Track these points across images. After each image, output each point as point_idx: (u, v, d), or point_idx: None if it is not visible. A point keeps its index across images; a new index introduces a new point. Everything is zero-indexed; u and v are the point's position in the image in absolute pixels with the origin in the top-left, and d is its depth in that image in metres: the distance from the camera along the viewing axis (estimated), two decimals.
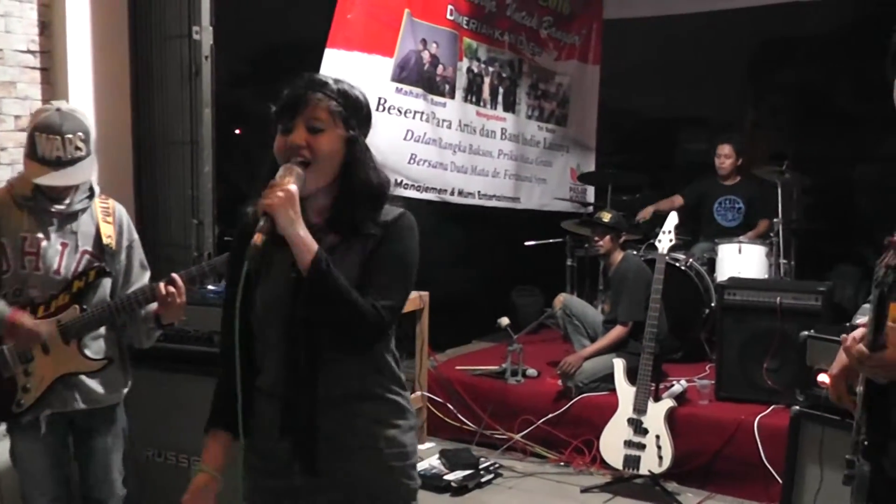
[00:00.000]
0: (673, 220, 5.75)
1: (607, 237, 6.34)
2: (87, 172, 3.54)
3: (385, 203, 2.47)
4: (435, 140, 7.05)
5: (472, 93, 7.51)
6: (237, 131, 8.93)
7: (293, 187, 2.29)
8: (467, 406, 6.51)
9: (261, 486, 2.55)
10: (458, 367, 6.99)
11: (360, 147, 2.43)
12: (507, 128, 7.97)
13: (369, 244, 2.41)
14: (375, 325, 2.35)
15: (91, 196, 3.65)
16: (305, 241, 2.30)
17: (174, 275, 3.50)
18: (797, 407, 4.34)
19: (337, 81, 2.46)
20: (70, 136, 3.44)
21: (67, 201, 3.56)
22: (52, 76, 5.05)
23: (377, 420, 2.46)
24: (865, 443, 2.27)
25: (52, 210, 3.54)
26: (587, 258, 8.24)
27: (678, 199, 8.12)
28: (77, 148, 3.46)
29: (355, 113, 2.44)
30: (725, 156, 7.93)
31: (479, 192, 7.68)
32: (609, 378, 5.86)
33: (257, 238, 2.26)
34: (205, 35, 5.19)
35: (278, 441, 2.44)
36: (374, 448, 2.45)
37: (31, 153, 3.44)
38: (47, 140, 3.41)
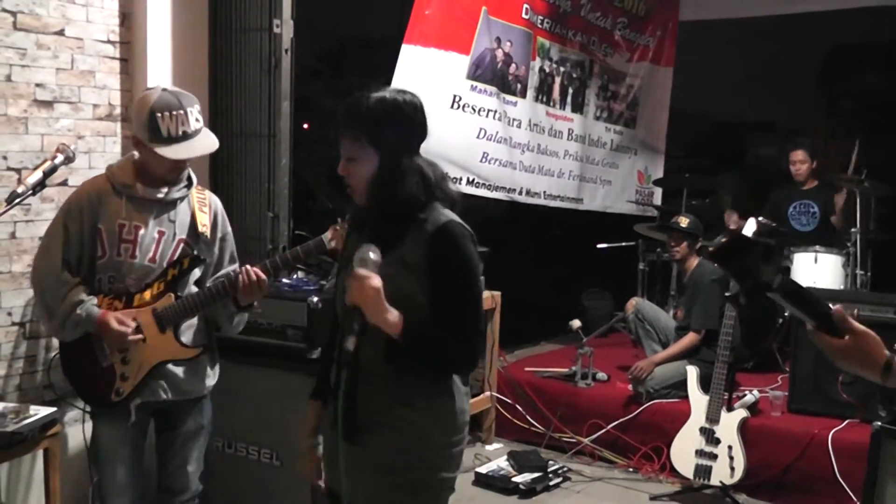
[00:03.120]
0: (751, 226, 5.65)
1: (684, 243, 6.27)
2: (213, 141, 3.56)
3: (421, 211, 2.60)
4: (506, 139, 7.01)
5: (543, 92, 7.47)
6: (305, 126, 8.93)
7: (378, 281, 2.45)
8: (536, 408, 6.47)
9: (326, 441, 2.83)
10: (527, 369, 6.94)
11: (395, 165, 2.58)
12: (573, 128, 7.91)
13: (417, 253, 2.56)
14: (473, 355, 2.63)
15: (189, 185, 3.65)
16: (391, 325, 2.48)
17: (257, 269, 3.50)
18: (878, 423, 4.23)
19: (369, 99, 2.58)
20: (190, 108, 3.46)
21: (165, 190, 3.55)
22: (130, 67, 5.08)
23: (403, 401, 2.61)
24: None
25: (153, 198, 3.54)
26: (659, 262, 8.17)
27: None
28: (197, 119, 3.48)
29: (388, 125, 2.56)
30: (800, 161, 7.80)
31: (544, 192, 7.64)
32: (680, 385, 5.81)
33: (351, 343, 2.47)
34: (285, 28, 5.17)
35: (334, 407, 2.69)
36: (395, 427, 2.61)
37: (156, 137, 3.42)
38: (171, 117, 3.40)
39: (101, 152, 4.92)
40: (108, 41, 4.96)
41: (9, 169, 4.47)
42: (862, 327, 2.05)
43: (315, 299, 4.49)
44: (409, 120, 2.61)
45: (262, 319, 4.54)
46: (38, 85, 4.60)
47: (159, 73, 5.06)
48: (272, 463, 4.62)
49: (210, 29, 5.32)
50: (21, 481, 4.48)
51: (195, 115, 3.47)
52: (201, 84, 5.26)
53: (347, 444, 2.63)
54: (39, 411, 4.00)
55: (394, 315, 2.47)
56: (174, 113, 3.41)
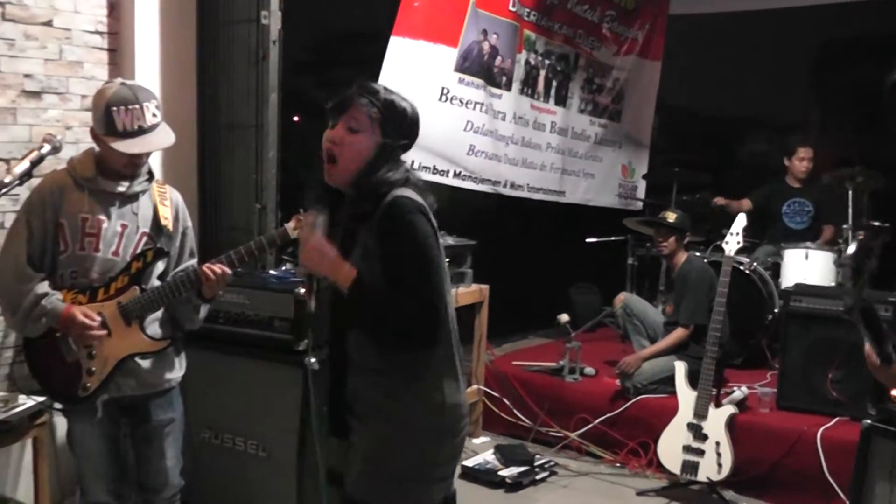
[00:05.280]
0: (741, 221, 5.64)
1: (671, 238, 6.25)
2: (169, 136, 3.56)
3: (385, 196, 2.70)
4: (492, 132, 6.99)
5: (528, 85, 7.43)
6: (296, 118, 8.86)
7: (318, 239, 2.63)
8: (523, 402, 6.47)
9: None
10: (514, 362, 6.92)
11: (387, 153, 2.74)
12: (556, 121, 7.86)
13: (373, 235, 2.67)
14: (428, 313, 2.62)
15: (150, 179, 3.66)
16: (341, 277, 2.63)
17: (220, 265, 3.51)
18: (868, 421, 4.22)
19: (387, 91, 2.78)
20: (147, 103, 3.46)
21: (127, 183, 3.55)
22: (118, 57, 5.06)
23: (389, 394, 2.71)
24: None
25: (114, 191, 3.54)
26: (648, 257, 8.16)
27: (746, 203, 7.93)
28: (154, 115, 3.48)
29: (395, 122, 2.75)
30: (809, 159, 7.82)
31: (527, 184, 7.60)
32: (668, 380, 5.80)
33: (308, 300, 2.70)
34: (273, 20, 5.15)
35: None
36: (376, 418, 2.73)
37: (111, 131, 3.42)
38: (126, 112, 3.41)
39: (89, 143, 4.85)
40: (96, 32, 4.94)
41: None
42: None
43: (302, 290, 4.47)
44: (410, 124, 2.81)
45: (250, 311, 4.55)
46: (26, 75, 4.60)
47: (147, 63, 5.05)
48: (258, 454, 4.59)
49: (198, 19, 5.31)
50: (10, 470, 4.46)
51: (152, 111, 3.48)
52: (188, 75, 5.26)
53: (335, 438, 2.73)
54: (28, 401, 4.00)
55: (346, 268, 2.61)
56: (130, 107, 3.42)
